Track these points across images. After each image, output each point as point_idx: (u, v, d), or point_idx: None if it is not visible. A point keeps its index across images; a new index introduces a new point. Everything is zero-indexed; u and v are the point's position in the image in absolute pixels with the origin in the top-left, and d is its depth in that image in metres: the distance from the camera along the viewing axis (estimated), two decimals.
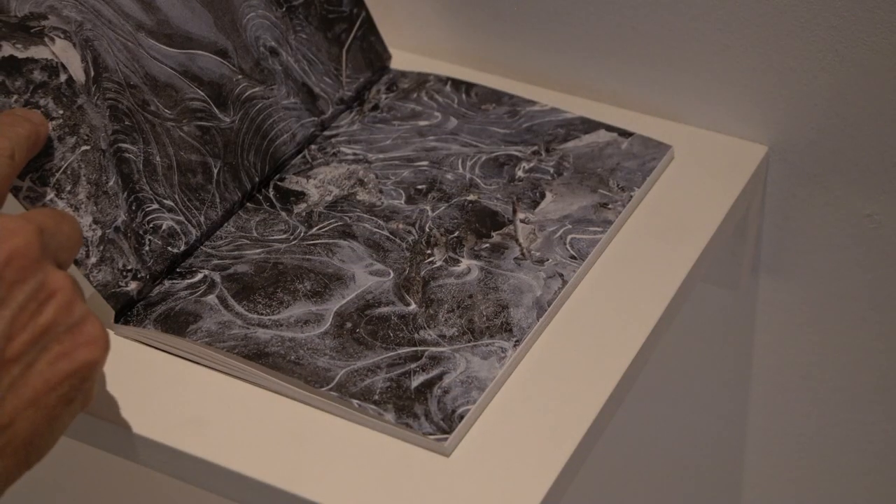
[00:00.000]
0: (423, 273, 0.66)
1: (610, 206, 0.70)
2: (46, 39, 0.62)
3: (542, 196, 0.70)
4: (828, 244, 0.77)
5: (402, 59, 0.82)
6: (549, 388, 0.62)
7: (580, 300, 0.66)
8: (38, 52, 0.61)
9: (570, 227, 0.68)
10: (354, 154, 0.74)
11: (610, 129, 0.75)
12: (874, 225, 0.75)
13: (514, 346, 0.62)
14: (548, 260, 0.67)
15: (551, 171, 0.72)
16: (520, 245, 0.67)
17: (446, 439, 0.58)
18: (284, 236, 0.68)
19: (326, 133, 0.75)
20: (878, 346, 0.80)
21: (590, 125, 0.75)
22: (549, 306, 0.64)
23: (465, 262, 0.67)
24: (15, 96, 0.60)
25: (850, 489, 0.88)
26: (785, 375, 0.85)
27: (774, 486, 0.91)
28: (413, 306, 0.64)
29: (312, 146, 0.74)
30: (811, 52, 0.71)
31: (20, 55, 0.61)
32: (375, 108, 0.77)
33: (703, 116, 0.76)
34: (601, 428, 0.62)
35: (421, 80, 0.79)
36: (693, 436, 0.92)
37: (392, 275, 0.66)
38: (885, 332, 0.79)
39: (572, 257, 0.67)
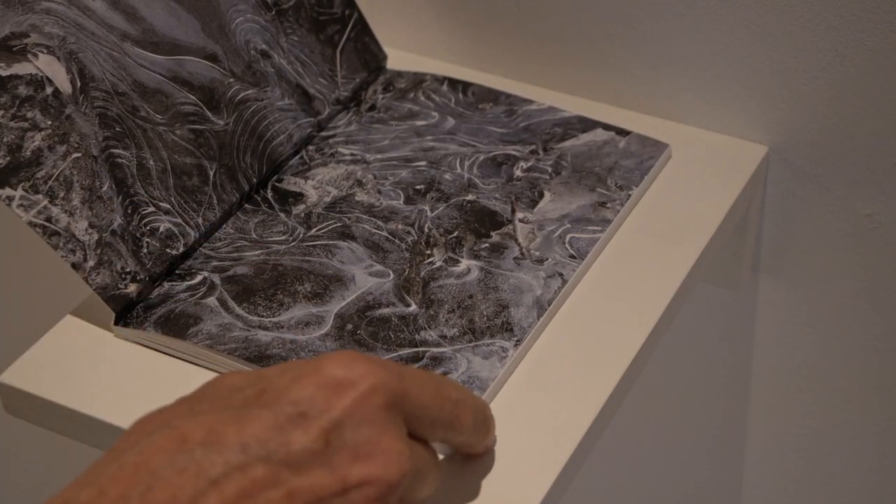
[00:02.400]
0: (422, 274, 0.66)
1: (608, 204, 0.69)
2: (30, 56, 0.63)
3: (541, 195, 0.70)
4: (828, 244, 0.77)
5: (398, 59, 0.81)
6: (549, 388, 0.62)
7: (580, 300, 0.66)
8: (22, 68, 0.62)
9: (569, 226, 0.68)
10: (352, 154, 0.74)
11: (607, 127, 0.75)
12: (874, 225, 0.75)
13: (515, 345, 0.62)
14: (547, 259, 0.66)
15: (549, 170, 0.72)
16: (519, 245, 0.67)
17: None
18: (283, 237, 0.68)
19: (323, 134, 0.75)
20: (878, 346, 0.80)
21: (587, 124, 0.75)
22: (549, 305, 0.64)
23: (465, 263, 0.66)
24: (1, 112, 0.61)
25: (850, 489, 0.88)
26: (785, 375, 0.85)
27: (774, 486, 0.91)
28: (413, 307, 0.64)
29: (310, 147, 0.74)
30: (811, 52, 0.71)
31: (3, 73, 0.62)
32: (372, 108, 0.77)
33: (703, 116, 0.76)
34: (601, 428, 0.62)
35: (417, 79, 0.79)
36: (693, 436, 0.92)
37: (392, 276, 0.66)
38: (885, 332, 0.79)
39: (571, 256, 0.67)
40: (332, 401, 0.48)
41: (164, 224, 0.66)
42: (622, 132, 0.74)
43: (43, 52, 0.63)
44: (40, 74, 0.63)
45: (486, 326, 0.63)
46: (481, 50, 0.81)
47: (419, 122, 0.76)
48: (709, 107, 0.76)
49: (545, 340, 0.64)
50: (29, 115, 0.62)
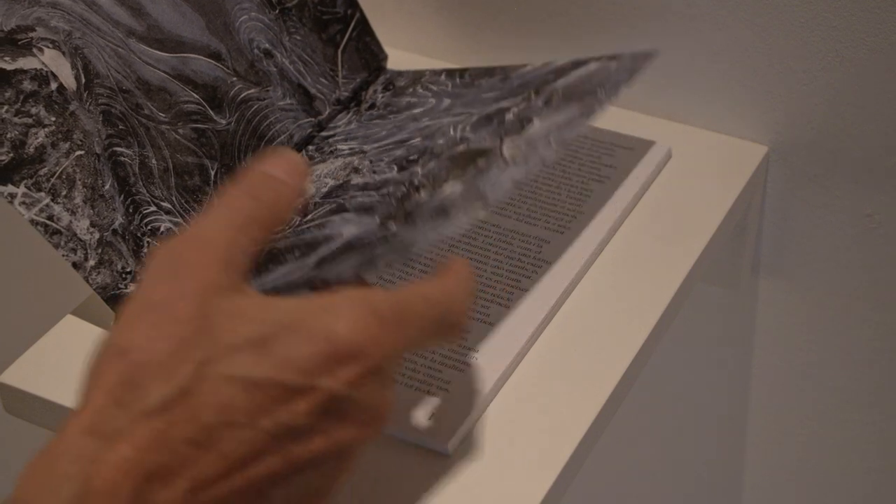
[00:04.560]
0: (407, 208, 0.64)
1: (595, 101, 0.65)
2: (35, 50, 0.62)
3: (529, 122, 0.67)
4: (828, 244, 0.77)
5: (398, 59, 0.81)
6: (549, 388, 0.62)
7: (580, 300, 0.66)
8: (27, 62, 0.62)
9: (555, 131, 0.65)
10: (350, 149, 0.73)
11: (599, 59, 0.72)
12: (874, 225, 0.75)
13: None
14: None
15: (540, 104, 0.69)
16: (504, 158, 0.64)
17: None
18: (280, 231, 0.68)
19: (324, 134, 0.75)
20: (878, 346, 0.80)
21: (579, 63, 0.72)
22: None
23: (450, 185, 0.64)
24: (6, 107, 0.61)
25: (850, 489, 0.88)
26: (785, 375, 0.85)
27: (774, 486, 0.91)
28: (395, 228, 0.61)
29: (310, 147, 0.74)
30: (811, 52, 0.71)
31: (9, 67, 0.62)
32: (372, 107, 0.77)
33: (702, 116, 0.76)
34: (601, 428, 0.62)
35: (417, 76, 0.79)
36: (693, 436, 0.92)
37: (378, 218, 0.64)
38: (885, 332, 0.79)
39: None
40: (335, 370, 0.47)
41: (165, 224, 0.66)
42: (614, 58, 0.71)
43: (48, 47, 0.63)
44: (45, 70, 0.63)
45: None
46: (481, 50, 0.81)
47: (417, 110, 0.75)
48: (709, 107, 0.76)
49: (545, 340, 0.64)
50: (33, 110, 0.62)
